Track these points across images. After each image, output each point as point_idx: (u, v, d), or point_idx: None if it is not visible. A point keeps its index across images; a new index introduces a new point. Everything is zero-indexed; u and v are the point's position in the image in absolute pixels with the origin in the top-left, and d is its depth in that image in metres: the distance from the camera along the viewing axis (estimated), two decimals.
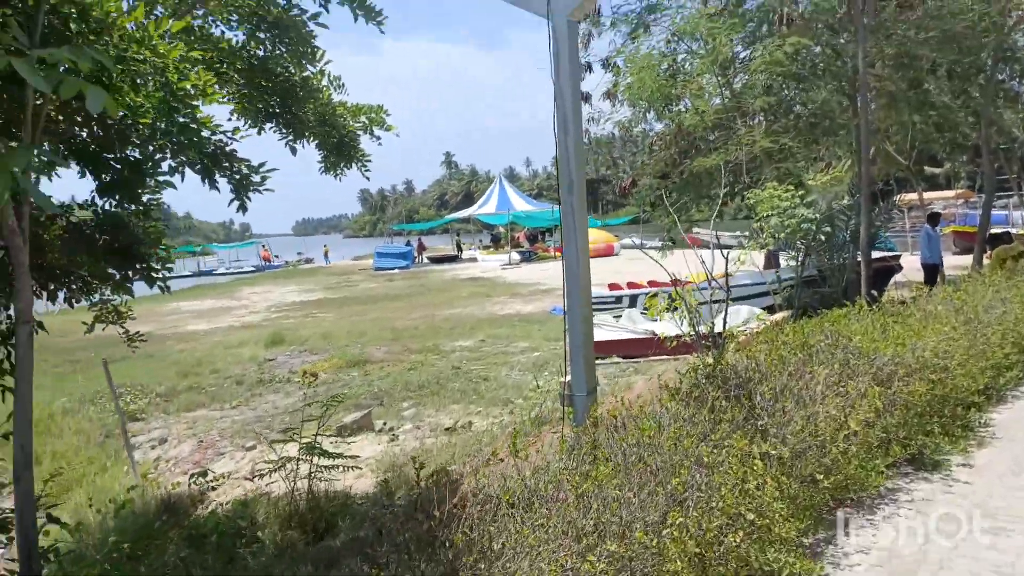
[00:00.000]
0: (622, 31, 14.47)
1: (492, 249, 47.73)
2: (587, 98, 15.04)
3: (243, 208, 4.43)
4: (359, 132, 6.23)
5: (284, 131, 5.59)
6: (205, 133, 4.24)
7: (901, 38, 12.98)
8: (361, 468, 6.15)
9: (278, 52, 5.39)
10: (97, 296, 5.71)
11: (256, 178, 4.41)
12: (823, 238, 10.11)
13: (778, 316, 10.16)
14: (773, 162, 11.74)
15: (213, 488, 6.55)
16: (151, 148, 3.81)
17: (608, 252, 39.74)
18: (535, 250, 43.47)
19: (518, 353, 14.22)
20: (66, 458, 9.88)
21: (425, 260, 47.42)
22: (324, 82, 5.91)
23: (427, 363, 13.75)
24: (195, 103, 3.70)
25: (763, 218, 8.71)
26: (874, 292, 11.32)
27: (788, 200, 8.42)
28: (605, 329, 13.15)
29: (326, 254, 57.43)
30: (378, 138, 6.37)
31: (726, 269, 8.04)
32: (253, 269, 57.00)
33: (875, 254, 11.72)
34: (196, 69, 3.82)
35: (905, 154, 14.47)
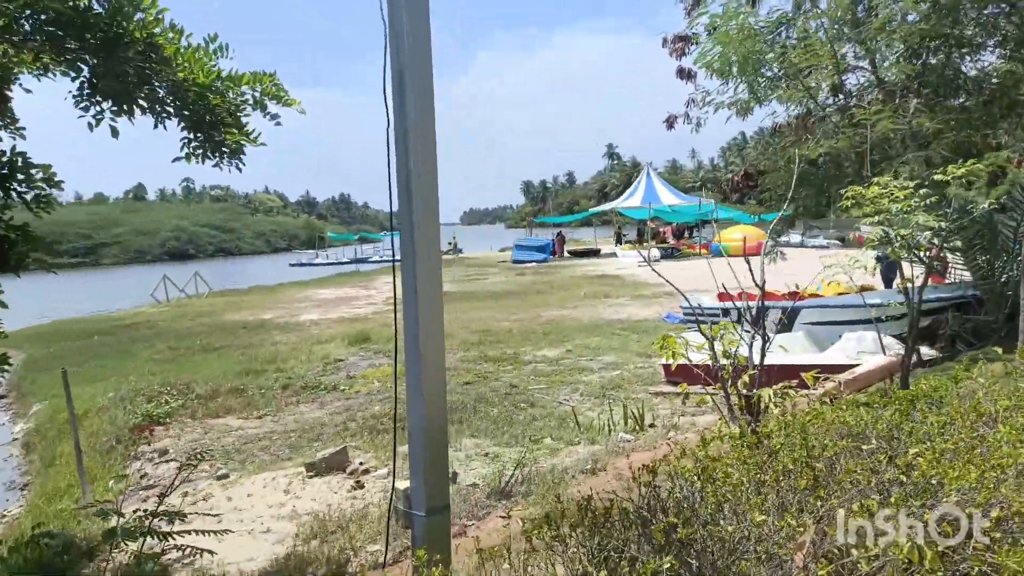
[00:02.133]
0: None
1: (634, 244, 45.17)
2: (691, 75, 12.72)
3: None
4: (245, 107, 4.75)
5: (112, 103, 4.21)
6: None
7: None
8: (260, 533, 4.71)
9: None
10: None
11: None
12: (956, 251, 7.30)
13: (862, 369, 7.55)
14: (914, 147, 8.92)
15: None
16: None
17: (758, 251, 36.12)
18: (679, 247, 40.48)
19: (595, 370, 12.32)
20: (70, 464, 9.39)
21: (566, 254, 45.63)
22: (183, 43, 4.47)
23: (491, 376, 12.23)
24: None
25: (873, 223, 6.22)
26: None
27: (901, 201, 5.83)
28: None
29: (454, 246, 53.25)
30: (275, 116, 4.86)
31: (761, 282, 5.91)
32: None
33: None
34: None
35: None
